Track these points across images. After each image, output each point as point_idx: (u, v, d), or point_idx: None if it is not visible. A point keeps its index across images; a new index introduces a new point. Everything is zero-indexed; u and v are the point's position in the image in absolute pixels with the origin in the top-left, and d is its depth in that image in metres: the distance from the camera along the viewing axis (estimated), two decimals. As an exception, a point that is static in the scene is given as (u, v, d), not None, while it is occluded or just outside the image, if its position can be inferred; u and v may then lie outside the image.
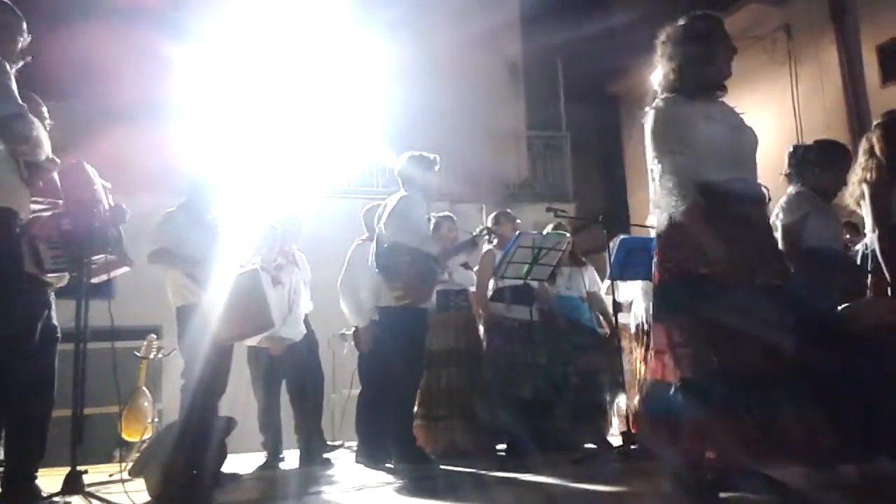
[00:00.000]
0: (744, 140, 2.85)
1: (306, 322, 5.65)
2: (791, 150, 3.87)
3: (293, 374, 5.51)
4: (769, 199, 2.95)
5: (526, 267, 5.14)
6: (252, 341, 5.32)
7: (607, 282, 5.71)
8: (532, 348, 5.31)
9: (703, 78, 2.84)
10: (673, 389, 2.64)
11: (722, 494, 2.68)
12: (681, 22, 2.91)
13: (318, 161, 10.60)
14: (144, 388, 6.19)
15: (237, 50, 10.09)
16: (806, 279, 3.41)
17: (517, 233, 5.22)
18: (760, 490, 2.67)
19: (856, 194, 3.70)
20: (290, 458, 5.58)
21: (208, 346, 4.12)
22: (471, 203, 11.06)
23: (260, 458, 5.50)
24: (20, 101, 2.96)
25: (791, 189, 3.78)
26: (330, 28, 10.46)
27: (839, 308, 3.45)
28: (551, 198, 11.40)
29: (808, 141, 4.10)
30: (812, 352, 3.07)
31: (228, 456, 4.57)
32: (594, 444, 5.48)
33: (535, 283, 5.39)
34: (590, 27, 13.39)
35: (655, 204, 2.80)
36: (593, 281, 6.06)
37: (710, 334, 2.59)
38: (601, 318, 6.04)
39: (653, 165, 2.78)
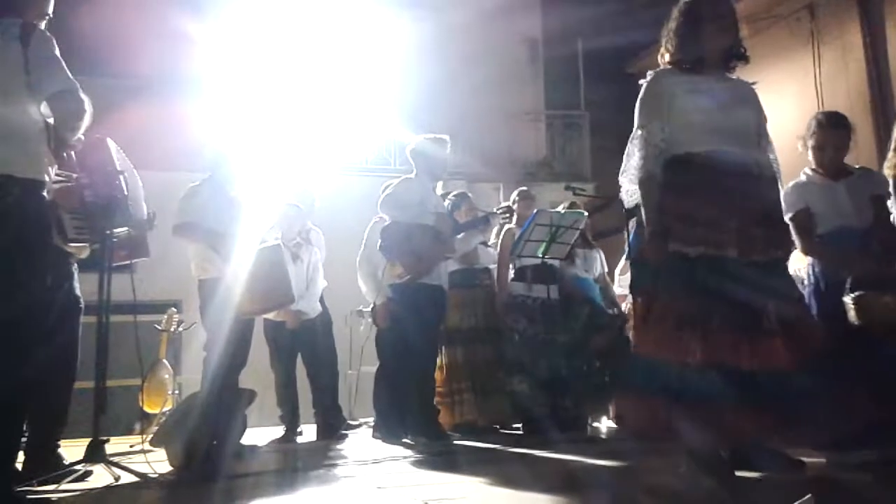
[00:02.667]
0: (735, 115, 2.84)
1: (321, 300, 5.70)
2: None
3: (310, 349, 5.58)
4: (778, 175, 2.94)
5: (543, 245, 5.15)
6: (270, 316, 5.39)
7: (623, 261, 5.70)
8: (552, 327, 5.32)
9: (688, 52, 2.86)
10: (683, 370, 2.62)
11: (739, 473, 2.70)
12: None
13: (335, 138, 10.63)
14: (165, 360, 6.27)
15: (257, 27, 10.11)
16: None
17: (535, 210, 5.22)
18: (777, 469, 2.68)
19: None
20: (308, 433, 5.65)
21: (230, 319, 4.16)
22: (488, 182, 11.07)
23: (278, 431, 5.57)
24: (70, 76, 2.98)
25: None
26: (349, 5, 10.43)
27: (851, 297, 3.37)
28: (569, 177, 11.35)
29: None
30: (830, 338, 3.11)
31: (248, 428, 4.65)
32: (611, 421, 5.51)
33: (556, 263, 5.40)
34: (610, 5, 13.27)
35: (627, 175, 2.83)
36: (602, 263, 6.07)
37: (682, 314, 2.61)
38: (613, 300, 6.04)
39: (632, 139, 2.86)
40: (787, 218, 3.47)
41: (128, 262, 3.84)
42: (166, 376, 6.14)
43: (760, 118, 2.96)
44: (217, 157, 4.61)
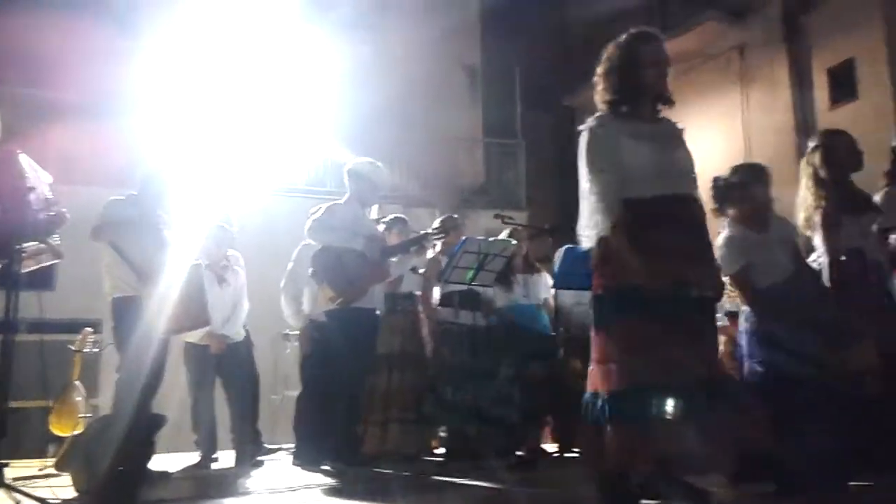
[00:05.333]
0: (675, 157, 2.90)
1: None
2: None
3: (230, 373, 5.45)
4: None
5: (471, 272, 5.15)
6: (193, 338, 5.27)
7: (552, 290, 5.74)
8: (478, 354, 5.31)
9: (626, 95, 2.90)
10: (601, 401, 2.71)
11: (645, 502, 2.72)
12: (616, 40, 2.96)
13: (269, 159, 10.52)
14: (78, 382, 6.04)
15: (191, 46, 9.98)
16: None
17: (463, 238, 5.23)
18: (683, 499, 2.70)
19: (811, 221, 3.67)
20: (225, 459, 5.51)
21: (145, 339, 4.05)
22: (425, 207, 11.07)
23: (193, 457, 5.42)
24: None
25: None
26: (284, 26, 10.39)
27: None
28: (505, 204, 11.44)
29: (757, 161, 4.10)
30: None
31: (161, 454, 4.50)
32: (534, 450, 5.51)
33: (482, 290, 5.40)
34: (548, 38, 13.53)
35: (587, 221, 2.85)
36: (546, 288, 6.09)
37: (639, 345, 2.66)
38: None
39: (584, 184, 2.86)
40: (729, 274, 3.53)
41: (35, 266, 3.72)
42: (78, 398, 5.91)
43: (691, 156, 3.02)
44: (145, 176, 4.52)
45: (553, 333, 5.78)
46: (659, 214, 2.79)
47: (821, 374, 3.28)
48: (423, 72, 11.46)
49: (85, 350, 6.11)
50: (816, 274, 3.66)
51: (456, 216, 6.18)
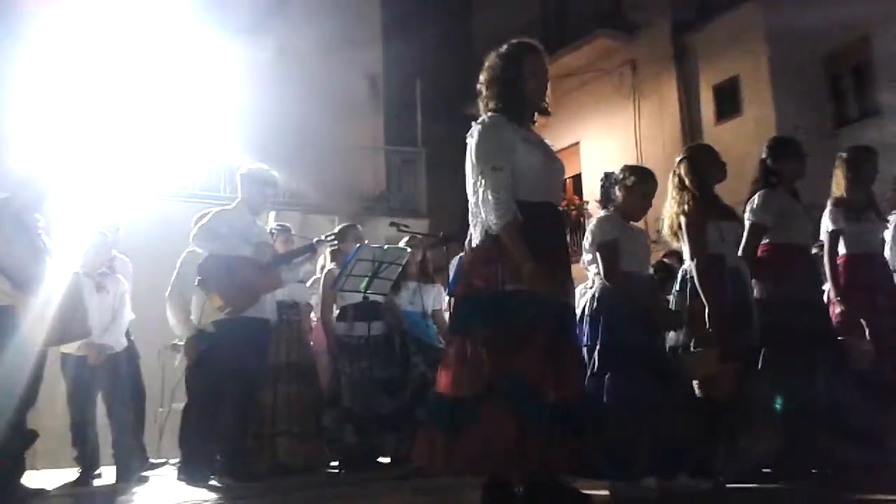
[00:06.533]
0: (556, 168, 2.97)
1: (127, 332, 5.39)
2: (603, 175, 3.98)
3: (111, 385, 5.23)
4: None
5: (365, 280, 5.11)
6: (70, 349, 5.04)
7: (446, 300, 5.76)
8: (371, 364, 5.28)
9: (511, 104, 2.93)
10: (453, 404, 2.70)
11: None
12: (498, 50, 2.99)
13: (163, 163, 10.19)
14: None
15: (78, 45, 9.58)
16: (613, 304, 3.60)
17: (357, 245, 5.19)
18: (561, 502, 2.74)
19: (674, 227, 3.88)
20: (108, 475, 5.28)
21: (21, 351, 3.85)
22: (324, 214, 10.96)
23: (73, 473, 5.17)
24: None
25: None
26: (178, 27, 10.11)
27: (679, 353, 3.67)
28: (405, 213, 11.46)
29: None
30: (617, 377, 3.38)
31: (39, 471, 4.28)
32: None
33: (380, 298, 5.37)
34: (450, 48, 13.67)
35: (473, 218, 2.85)
36: (438, 298, 6.09)
37: (508, 348, 2.67)
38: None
39: (473, 179, 2.83)
40: (596, 244, 3.64)
41: None
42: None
43: (564, 171, 3.10)
44: (20, 180, 4.29)
45: (441, 343, 5.81)
46: (543, 220, 2.82)
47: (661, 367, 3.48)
48: (323, 79, 11.37)
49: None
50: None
51: (355, 224, 6.13)
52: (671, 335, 3.83)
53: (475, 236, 2.83)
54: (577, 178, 13.74)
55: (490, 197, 2.73)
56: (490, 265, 2.75)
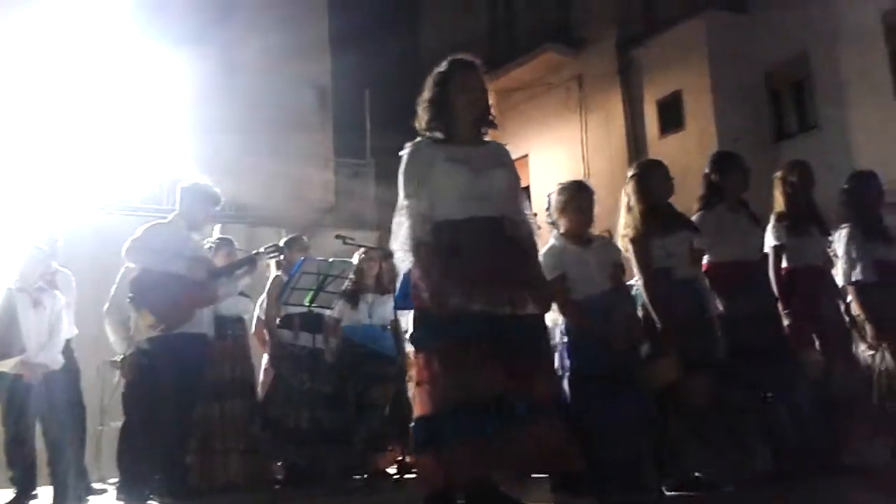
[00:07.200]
0: (490, 179, 2.98)
1: (68, 348, 5.24)
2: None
3: (48, 404, 5.07)
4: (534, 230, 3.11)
5: (310, 293, 5.05)
6: (5, 367, 4.88)
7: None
8: (318, 377, 5.22)
9: (442, 122, 3.00)
10: (415, 424, 2.80)
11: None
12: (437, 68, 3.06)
13: (104, 175, 9.96)
14: None
15: (18, 56, 9.32)
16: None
17: (301, 258, 5.14)
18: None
19: (625, 245, 3.95)
20: (45, 496, 5.11)
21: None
22: (271, 227, 10.81)
23: (9, 494, 4.99)
24: None
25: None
26: (119, 37, 9.90)
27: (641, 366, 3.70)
28: (354, 225, 11.38)
29: (595, 184, 4.34)
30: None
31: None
32: (376, 472, 5.46)
33: (324, 312, 5.31)
34: (399, 60, 13.67)
35: (402, 242, 2.91)
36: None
37: (448, 370, 2.73)
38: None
39: (400, 207, 2.93)
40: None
41: None
42: None
43: (513, 178, 3.11)
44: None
45: (397, 355, 5.78)
46: (471, 236, 2.87)
47: (623, 386, 3.50)
48: (271, 90, 11.25)
49: None
50: (632, 297, 3.93)
51: (301, 235, 6.08)
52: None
53: (406, 260, 2.91)
54: (526, 191, 13.84)
55: (404, 222, 2.88)
56: (417, 287, 2.86)
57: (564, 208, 3.79)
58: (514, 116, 13.73)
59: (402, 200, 2.94)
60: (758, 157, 8.84)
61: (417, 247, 2.83)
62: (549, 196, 3.93)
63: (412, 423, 2.88)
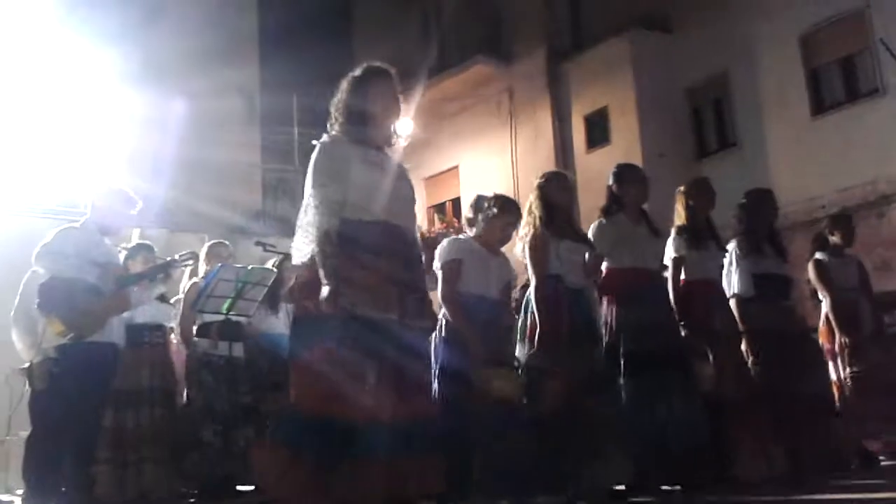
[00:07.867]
0: (400, 188, 3.00)
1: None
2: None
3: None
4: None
5: (228, 301, 4.97)
6: None
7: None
8: (231, 388, 5.13)
9: (356, 127, 2.98)
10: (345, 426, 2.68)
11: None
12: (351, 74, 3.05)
13: (19, 176, 9.61)
14: None
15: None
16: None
17: (219, 265, 5.05)
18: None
19: (523, 249, 4.05)
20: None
21: None
22: (193, 233, 10.57)
23: None
24: None
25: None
26: (36, 31, 9.57)
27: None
28: (281, 232, 11.22)
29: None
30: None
31: None
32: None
33: (241, 319, 5.22)
34: (330, 66, 13.55)
35: (303, 236, 2.85)
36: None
37: (325, 377, 2.68)
38: None
39: (306, 198, 2.86)
40: (439, 263, 3.75)
41: None
42: None
43: (413, 193, 3.13)
44: None
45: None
46: (376, 239, 2.84)
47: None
48: (196, 93, 11.00)
49: None
50: (512, 314, 4.09)
51: (224, 241, 5.96)
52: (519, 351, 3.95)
53: (307, 253, 2.82)
54: (457, 202, 13.88)
55: (311, 211, 2.78)
56: (315, 287, 2.75)
57: (493, 219, 3.91)
58: (445, 127, 13.81)
59: (310, 189, 2.84)
60: (680, 174, 9.06)
61: (325, 235, 2.74)
62: (480, 196, 4.02)
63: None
